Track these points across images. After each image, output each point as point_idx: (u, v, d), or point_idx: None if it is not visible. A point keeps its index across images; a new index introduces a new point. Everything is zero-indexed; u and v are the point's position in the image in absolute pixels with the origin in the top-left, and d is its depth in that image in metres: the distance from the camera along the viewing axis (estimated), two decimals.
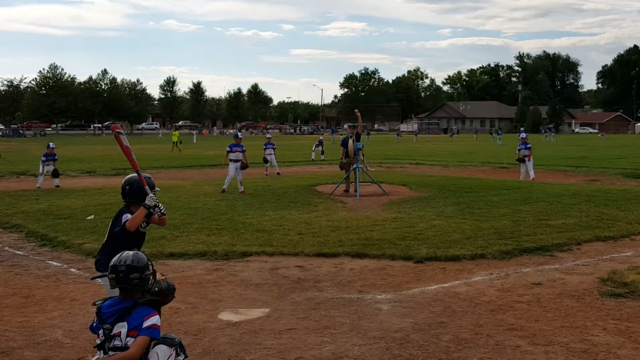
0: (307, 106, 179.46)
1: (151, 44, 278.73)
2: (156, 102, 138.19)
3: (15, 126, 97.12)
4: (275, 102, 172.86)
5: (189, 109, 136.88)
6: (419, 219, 13.52)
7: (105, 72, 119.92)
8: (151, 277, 4.75)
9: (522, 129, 67.24)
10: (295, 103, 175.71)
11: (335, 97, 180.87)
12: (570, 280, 8.66)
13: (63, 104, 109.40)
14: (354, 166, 18.85)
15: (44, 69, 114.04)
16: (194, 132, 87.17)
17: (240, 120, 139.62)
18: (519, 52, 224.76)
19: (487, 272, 9.10)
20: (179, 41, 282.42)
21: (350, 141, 19.35)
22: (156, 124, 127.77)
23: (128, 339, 4.50)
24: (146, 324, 4.51)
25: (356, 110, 21.29)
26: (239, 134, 21.78)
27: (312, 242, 11.09)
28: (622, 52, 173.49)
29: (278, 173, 25.87)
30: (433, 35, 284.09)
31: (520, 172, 23.84)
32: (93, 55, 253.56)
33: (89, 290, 8.30)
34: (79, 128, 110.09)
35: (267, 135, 31.51)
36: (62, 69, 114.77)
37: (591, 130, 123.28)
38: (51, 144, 22.87)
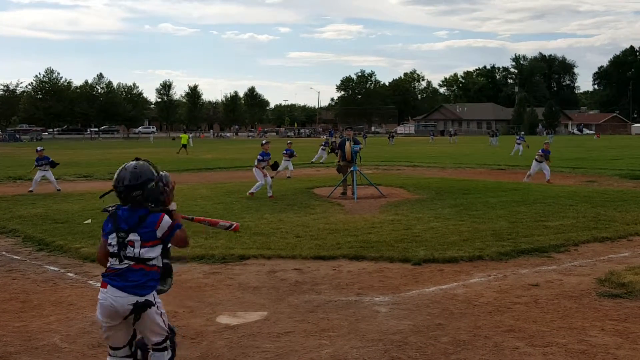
0: (304, 109, 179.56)
1: (147, 48, 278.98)
2: (152, 105, 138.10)
3: (12, 131, 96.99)
4: (272, 105, 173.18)
5: (185, 113, 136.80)
6: (416, 221, 13.53)
7: (101, 76, 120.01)
8: (160, 184, 4.74)
9: (522, 133, 67.00)
10: (292, 106, 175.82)
11: (332, 99, 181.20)
12: (567, 281, 8.67)
13: (59, 108, 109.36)
14: (352, 169, 18.86)
15: (40, 74, 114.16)
16: (190, 135, 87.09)
17: (237, 123, 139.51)
18: (515, 54, 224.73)
19: (484, 274, 9.11)
20: (175, 45, 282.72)
21: (348, 144, 19.35)
22: (153, 127, 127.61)
23: (142, 250, 4.60)
24: (163, 227, 4.65)
25: (348, 131, 21.12)
26: (264, 141, 21.69)
27: (309, 244, 11.08)
28: (618, 53, 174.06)
29: (288, 177, 25.78)
30: (429, 37, 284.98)
31: (528, 173, 23.74)
32: (89, 59, 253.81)
33: (87, 294, 8.28)
34: (76, 132, 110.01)
35: (288, 141, 31.10)
36: (58, 73, 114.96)
37: (588, 132, 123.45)
38: (39, 147, 22.77)
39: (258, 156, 19.24)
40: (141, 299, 4.55)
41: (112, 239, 4.65)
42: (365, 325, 6.84)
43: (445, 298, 7.89)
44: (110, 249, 4.65)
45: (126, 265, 4.59)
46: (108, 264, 4.69)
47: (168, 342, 4.82)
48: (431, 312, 7.30)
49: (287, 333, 6.58)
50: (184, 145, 50.57)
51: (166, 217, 4.70)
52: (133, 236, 4.60)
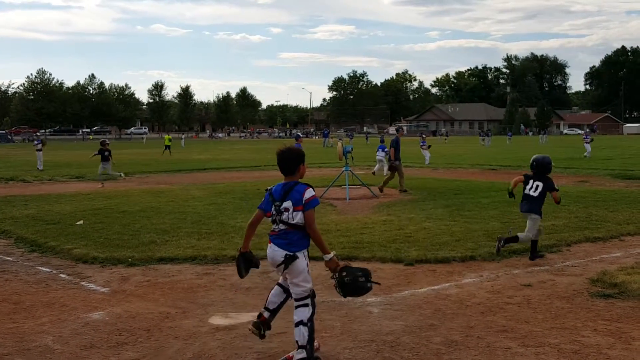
0: (296, 109, 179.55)
1: (140, 49, 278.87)
2: (145, 106, 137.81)
3: (4, 132, 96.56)
4: (264, 106, 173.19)
5: (177, 113, 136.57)
6: (408, 222, 13.54)
7: (93, 76, 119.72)
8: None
9: (588, 131, 65.64)
10: (284, 106, 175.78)
11: (324, 100, 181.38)
12: (560, 281, 8.69)
13: (51, 109, 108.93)
14: (344, 169, 18.88)
15: (32, 74, 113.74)
16: (183, 136, 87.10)
17: (229, 123, 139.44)
18: (507, 54, 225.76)
19: (477, 274, 9.12)
20: (167, 45, 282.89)
21: (340, 143, 19.41)
22: (145, 128, 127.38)
23: (295, 213, 5.57)
24: (306, 196, 5.54)
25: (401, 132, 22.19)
26: (300, 134, 22.03)
27: None
28: (609, 53, 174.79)
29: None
30: (421, 37, 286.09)
31: None
32: (82, 60, 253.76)
33: (79, 295, 8.27)
34: (68, 133, 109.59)
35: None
36: (50, 74, 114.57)
37: (579, 131, 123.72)
38: None
39: None
40: (290, 253, 5.62)
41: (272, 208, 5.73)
42: (358, 326, 6.84)
43: (438, 298, 7.91)
44: (271, 217, 5.75)
45: (282, 228, 5.66)
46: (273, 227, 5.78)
47: (309, 300, 5.67)
48: (423, 313, 7.31)
49: (280, 334, 6.56)
50: (167, 147, 50.34)
51: (310, 190, 5.62)
52: (286, 204, 5.61)
